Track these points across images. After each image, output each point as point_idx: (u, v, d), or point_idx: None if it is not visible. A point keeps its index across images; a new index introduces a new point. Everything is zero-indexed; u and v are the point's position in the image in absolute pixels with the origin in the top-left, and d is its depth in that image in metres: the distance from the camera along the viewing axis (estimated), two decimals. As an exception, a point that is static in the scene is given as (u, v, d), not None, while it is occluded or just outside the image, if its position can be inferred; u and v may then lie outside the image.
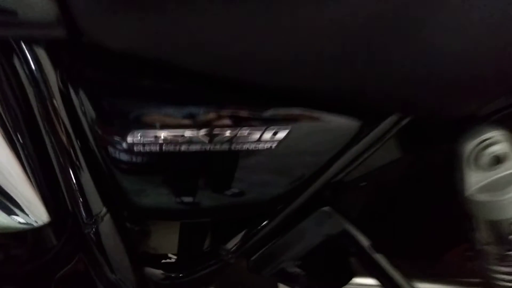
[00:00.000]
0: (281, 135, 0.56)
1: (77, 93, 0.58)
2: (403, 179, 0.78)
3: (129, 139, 0.56)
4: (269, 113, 0.56)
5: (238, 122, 0.53)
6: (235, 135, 0.55)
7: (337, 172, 0.63)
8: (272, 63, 0.50)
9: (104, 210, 0.63)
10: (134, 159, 0.58)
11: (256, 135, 0.55)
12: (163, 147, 0.56)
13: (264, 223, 0.69)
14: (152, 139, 0.55)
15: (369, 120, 0.59)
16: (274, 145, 0.56)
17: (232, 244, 0.70)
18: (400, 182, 0.78)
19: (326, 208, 0.67)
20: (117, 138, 0.57)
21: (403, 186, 0.78)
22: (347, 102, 0.55)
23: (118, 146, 0.58)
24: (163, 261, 0.85)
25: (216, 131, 0.53)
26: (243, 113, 0.55)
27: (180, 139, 0.55)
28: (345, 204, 0.69)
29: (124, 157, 0.59)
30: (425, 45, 0.45)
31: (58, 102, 0.59)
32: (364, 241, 0.67)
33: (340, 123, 0.57)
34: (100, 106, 0.58)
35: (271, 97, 0.53)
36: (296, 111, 0.55)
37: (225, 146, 0.53)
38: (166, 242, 0.99)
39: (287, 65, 0.50)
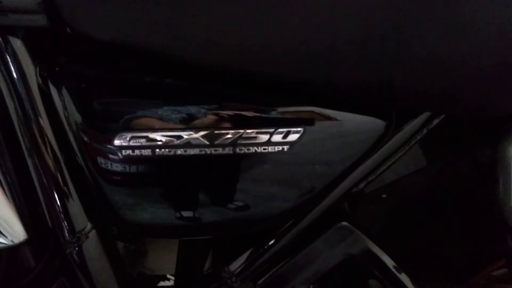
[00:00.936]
0: (294, 137, 0.48)
1: (59, 91, 0.51)
2: (429, 191, 0.69)
3: (117, 142, 0.48)
4: (279, 111, 0.49)
5: (243, 122, 0.48)
6: (240, 137, 0.47)
7: (357, 182, 0.55)
8: (283, 52, 0.43)
9: (89, 226, 0.55)
10: (123, 167, 0.51)
11: (265, 137, 0.48)
12: (157, 151, 0.48)
13: (272, 241, 0.60)
14: (144, 142, 0.48)
15: (395, 121, 0.51)
16: (285, 149, 0.48)
17: (236, 265, 0.62)
18: (425, 195, 0.69)
19: (344, 224, 0.58)
20: (104, 143, 0.50)
21: (428, 199, 0.69)
22: (371, 99, 0.47)
23: (105, 152, 0.50)
24: (161, 283, 0.76)
25: (218, 132, 0.47)
26: (249, 112, 0.48)
27: (176, 142, 0.48)
28: (365, 220, 0.60)
29: (112, 164, 0.51)
30: (470, 25, 0.38)
31: (37, 101, 0.52)
32: (388, 261, 0.58)
33: (362, 124, 0.51)
34: (85, 106, 0.50)
35: (282, 94, 0.48)
36: (310, 109, 0.49)
37: (228, 150, 0.46)
38: (163, 262, 0.92)
39: (300, 54, 0.42)
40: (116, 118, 0.49)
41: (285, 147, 0.49)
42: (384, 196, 0.64)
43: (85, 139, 0.51)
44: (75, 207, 0.54)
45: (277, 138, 0.48)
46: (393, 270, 0.58)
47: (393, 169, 0.59)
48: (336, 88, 0.47)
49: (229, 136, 0.47)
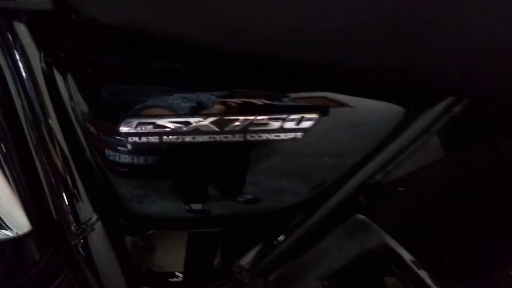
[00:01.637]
0: (307, 123, 0.45)
1: (64, 78, 0.49)
2: (448, 184, 0.66)
3: (124, 129, 0.46)
4: (292, 97, 0.46)
5: (254, 108, 0.45)
6: (251, 123, 0.45)
7: (374, 172, 0.52)
8: (295, 33, 0.40)
9: (95, 217, 0.53)
10: (130, 156, 0.49)
11: (277, 124, 0.45)
12: (164, 139, 0.46)
13: (284, 235, 0.58)
14: (151, 129, 0.46)
15: (415, 106, 0.48)
16: (298, 136, 0.46)
17: (246, 260, 0.59)
18: (444, 188, 0.66)
19: (359, 217, 0.55)
20: (110, 130, 0.48)
21: (447, 192, 0.66)
22: (390, 83, 0.44)
23: (112, 141, 0.48)
24: (169, 279, 0.74)
25: (228, 118, 0.45)
26: (260, 97, 0.46)
27: (184, 128, 0.45)
28: (381, 213, 0.57)
29: (118, 153, 0.49)
30: (495, 2, 0.35)
31: (41, 89, 0.50)
32: (407, 256, 0.55)
33: (379, 111, 0.48)
34: (92, 93, 0.49)
35: (294, 78, 0.46)
36: (325, 95, 0.46)
37: (239, 137, 0.44)
38: (172, 258, 0.90)
39: (314, 35, 0.40)
40: (122, 104, 0.47)
41: (298, 134, 0.46)
42: (401, 189, 0.61)
43: (91, 127, 0.49)
44: (81, 198, 0.52)
45: (290, 124, 0.46)
46: (412, 265, 0.55)
47: (411, 160, 0.56)
48: (352, 72, 0.44)
49: (239, 122, 0.45)
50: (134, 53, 0.48)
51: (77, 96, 0.49)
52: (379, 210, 0.58)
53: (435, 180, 0.62)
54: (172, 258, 0.90)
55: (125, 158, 0.49)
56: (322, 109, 0.46)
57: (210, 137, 0.45)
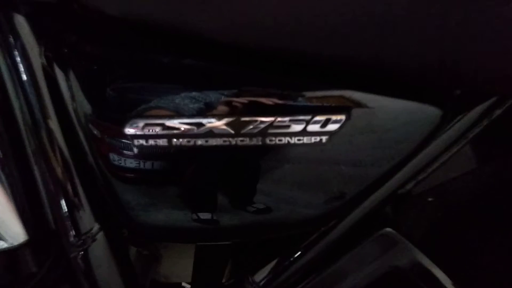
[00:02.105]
0: (334, 126, 0.41)
1: (66, 74, 0.45)
2: (481, 196, 0.60)
3: (129, 131, 0.42)
4: (317, 96, 0.42)
5: (274, 108, 0.41)
6: (270, 125, 0.40)
7: (405, 181, 0.47)
8: (322, 24, 0.35)
9: (97, 227, 0.48)
10: (136, 160, 0.45)
11: (299, 126, 0.41)
12: (174, 142, 0.41)
13: (304, 249, 0.53)
14: (159, 130, 0.41)
15: (452, 108, 0.43)
16: (323, 140, 0.41)
17: (261, 275, 0.55)
18: (476, 199, 0.60)
19: (387, 231, 0.50)
20: (115, 133, 0.43)
21: (480, 204, 0.61)
22: (428, 82, 0.39)
23: (116, 144, 0.44)
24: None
25: (245, 119, 0.41)
26: (282, 97, 0.42)
27: (196, 131, 0.41)
28: (411, 226, 0.52)
29: (123, 158, 0.45)
30: None
31: (41, 86, 0.46)
32: (441, 276, 0.50)
33: (413, 113, 0.43)
34: (95, 91, 0.44)
35: (320, 76, 0.41)
36: (354, 94, 0.42)
37: (257, 141, 0.40)
38: (179, 268, 0.86)
39: (343, 27, 0.35)
40: (128, 104, 0.43)
41: (324, 138, 0.41)
42: (430, 199, 0.55)
43: (95, 129, 0.45)
44: (82, 206, 0.48)
45: (314, 127, 0.41)
46: (447, 286, 0.49)
47: (443, 168, 0.51)
48: (385, 69, 0.39)
49: (258, 124, 0.41)
50: (141, 48, 0.44)
51: (80, 95, 0.45)
52: (408, 223, 0.52)
53: (470, 191, 0.56)
54: (179, 268, 0.86)
55: (131, 163, 0.44)
56: (349, 110, 0.41)
57: (224, 141, 0.41)
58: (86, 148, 0.46)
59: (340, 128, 0.41)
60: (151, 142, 0.42)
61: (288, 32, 0.38)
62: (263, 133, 0.41)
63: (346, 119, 0.41)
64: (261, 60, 0.41)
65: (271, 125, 0.41)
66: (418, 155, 0.46)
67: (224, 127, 0.41)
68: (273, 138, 0.41)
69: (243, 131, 0.41)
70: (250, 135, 0.41)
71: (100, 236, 0.49)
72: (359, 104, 0.42)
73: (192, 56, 0.43)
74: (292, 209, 0.49)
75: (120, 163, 0.45)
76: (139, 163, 0.45)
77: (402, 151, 0.46)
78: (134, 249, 0.75)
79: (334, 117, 0.41)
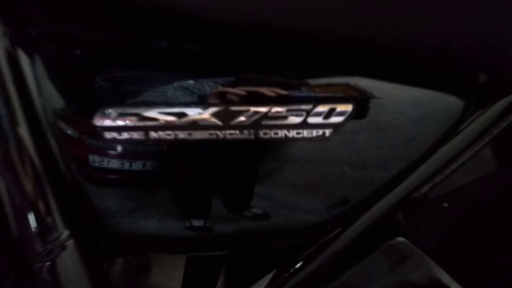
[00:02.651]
0: (339, 118, 0.35)
1: (32, 60, 0.39)
2: (500, 202, 0.54)
3: (100, 122, 0.36)
4: (319, 83, 0.37)
5: (269, 96, 0.36)
6: (265, 116, 0.35)
7: (420, 183, 0.41)
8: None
9: (66, 233, 0.42)
10: (108, 158, 0.40)
11: (298, 117, 0.35)
12: (151, 135, 0.36)
13: (304, 261, 0.48)
14: (135, 121, 0.36)
15: (477, 99, 0.37)
16: (326, 134, 0.35)
17: (256, 289, 0.48)
18: (495, 206, 0.54)
19: (400, 240, 0.44)
20: (84, 125, 0.37)
21: (499, 211, 0.54)
22: (449, 62, 0.33)
23: (87, 139, 0.38)
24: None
25: (235, 109, 0.36)
26: (278, 83, 0.36)
27: (178, 122, 0.35)
28: (426, 235, 0.46)
29: (95, 155, 0.40)
30: None
31: (3, 75, 0.40)
32: (461, 292, 0.43)
33: (431, 103, 0.38)
34: (68, 80, 0.40)
35: (322, 58, 0.37)
36: (362, 81, 0.36)
37: (248, 134, 0.35)
38: (170, 278, 0.80)
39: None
40: (100, 91, 0.37)
41: (327, 132, 0.36)
42: (445, 205, 0.49)
43: (66, 126, 0.39)
44: (49, 209, 0.42)
45: (315, 119, 0.36)
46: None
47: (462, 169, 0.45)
48: (400, 49, 0.33)
49: (249, 115, 0.36)
50: (118, 28, 0.38)
51: (49, 86, 0.39)
52: (422, 231, 0.46)
53: (492, 196, 0.50)
54: (170, 278, 0.80)
55: (103, 162, 0.39)
56: (358, 100, 0.36)
57: (211, 134, 0.35)
58: (54, 145, 0.40)
59: (345, 120, 0.36)
60: (125, 135, 0.36)
61: (285, 6, 0.32)
62: (256, 125, 0.36)
63: (353, 110, 0.35)
64: (253, 41, 0.36)
65: (265, 115, 0.35)
66: (435, 155, 0.41)
67: (211, 118, 0.36)
68: (268, 131, 0.36)
69: (233, 122, 0.35)
70: (241, 127, 0.36)
71: (70, 244, 0.42)
72: (367, 93, 0.37)
73: (174, 36, 0.37)
74: (291, 215, 0.44)
75: (92, 162, 0.40)
76: (113, 162, 0.39)
77: (416, 149, 0.40)
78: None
79: (339, 108, 0.35)
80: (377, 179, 0.41)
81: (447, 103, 0.38)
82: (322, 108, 0.36)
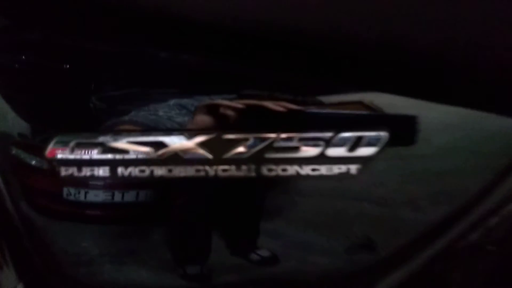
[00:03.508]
0: (368, 149, 0.26)
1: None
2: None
3: (53, 153, 0.28)
4: (341, 100, 0.29)
5: (274, 120, 0.28)
6: (269, 148, 0.26)
7: (469, 228, 0.32)
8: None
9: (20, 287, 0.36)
10: (65, 197, 0.33)
11: (314, 148, 0.26)
12: (120, 171, 0.27)
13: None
14: (97, 153, 0.27)
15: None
16: (352, 171, 0.26)
17: None
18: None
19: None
20: (37, 157, 0.30)
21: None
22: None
23: (41, 174, 0.32)
24: None
25: (229, 138, 0.28)
26: (285, 102, 0.28)
27: (154, 154, 0.27)
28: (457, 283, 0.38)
29: (50, 193, 0.33)
30: None
31: None
32: None
33: (490, 127, 0.30)
34: (14, 99, 0.33)
35: (345, 69, 0.29)
36: (397, 99, 0.29)
37: (247, 171, 0.27)
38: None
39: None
40: (54, 115, 0.29)
41: (352, 168, 0.27)
42: (490, 248, 0.40)
43: (13, 152, 0.31)
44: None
45: (337, 150, 0.27)
46: None
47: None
48: (450, 58, 0.25)
49: (249, 144, 0.27)
50: (76, 33, 0.31)
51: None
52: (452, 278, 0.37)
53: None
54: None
55: (62, 202, 0.31)
56: (393, 123, 0.26)
57: (198, 170, 0.26)
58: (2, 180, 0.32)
59: (378, 152, 0.26)
60: (86, 171, 0.28)
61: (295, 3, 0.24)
62: (258, 158, 0.27)
63: (389, 138, 0.26)
64: (253, 47, 0.27)
65: (270, 146, 0.26)
66: (494, 192, 0.31)
67: (197, 149, 0.26)
68: (274, 168, 0.27)
69: (227, 155, 0.26)
70: (238, 162, 0.27)
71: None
72: (405, 115, 0.29)
73: (151, 43, 0.29)
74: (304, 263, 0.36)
75: (48, 202, 0.32)
76: (106, 195, 0.31)
77: (469, 186, 0.31)
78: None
79: (369, 135, 0.26)
80: (414, 223, 0.32)
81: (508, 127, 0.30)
82: (346, 135, 0.27)
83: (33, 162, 0.33)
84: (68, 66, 0.32)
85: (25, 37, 0.35)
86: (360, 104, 0.30)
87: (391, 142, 0.28)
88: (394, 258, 0.35)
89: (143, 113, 0.30)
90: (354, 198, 0.32)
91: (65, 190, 0.34)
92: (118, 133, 0.28)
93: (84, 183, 0.33)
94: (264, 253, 0.36)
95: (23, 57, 0.34)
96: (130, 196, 0.33)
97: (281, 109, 0.28)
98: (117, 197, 0.33)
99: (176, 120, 0.30)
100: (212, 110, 0.28)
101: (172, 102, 0.31)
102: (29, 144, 0.34)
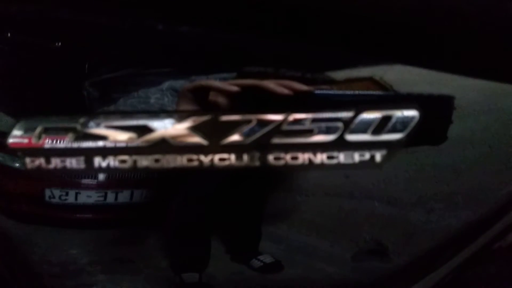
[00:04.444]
0: (394, 135, 0.21)
1: None
2: None
3: (16, 141, 0.23)
4: (361, 75, 0.25)
5: (282, 100, 0.24)
6: (276, 130, 0.21)
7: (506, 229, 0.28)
8: None
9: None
10: (36, 195, 0.26)
11: (331, 133, 0.22)
12: (96, 162, 0.22)
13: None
14: (73, 141, 0.22)
15: None
16: (377, 157, 0.21)
17: None
18: None
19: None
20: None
21: None
22: None
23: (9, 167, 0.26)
24: None
25: (228, 120, 0.23)
26: (297, 77, 0.24)
27: (138, 141, 0.22)
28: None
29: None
30: None
31: None
32: None
33: None
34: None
35: (363, 40, 0.24)
36: (429, 74, 0.24)
37: (251, 159, 0.23)
38: None
39: None
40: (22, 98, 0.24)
41: (377, 155, 0.22)
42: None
43: None
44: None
45: (357, 135, 0.21)
46: None
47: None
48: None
49: (252, 128, 0.22)
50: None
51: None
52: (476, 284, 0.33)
53: None
54: None
55: (33, 201, 0.26)
56: (425, 101, 0.22)
57: (190, 159, 0.21)
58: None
59: (408, 135, 0.22)
60: (56, 162, 0.23)
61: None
62: (263, 144, 0.22)
63: (420, 118, 0.22)
64: (255, 15, 0.23)
65: (277, 129, 0.21)
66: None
67: (189, 133, 0.22)
68: (282, 155, 0.22)
69: (224, 141, 0.21)
70: (238, 149, 0.22)
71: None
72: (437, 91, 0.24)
73: (135, 12, 0.24)
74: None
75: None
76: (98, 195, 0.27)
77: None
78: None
79: (396, 114, 0.22)
80: (464, 214, 0.28)
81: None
82: (369, 116, 0.22)
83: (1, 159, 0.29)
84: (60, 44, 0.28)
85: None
86: (370, 80, 0.26)
87: (420, 125, 0.23)
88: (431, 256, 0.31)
89: (131, 101, 0.26)
90: (384, 196, 0.28)
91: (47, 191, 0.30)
92: (94, 116, 0.23)
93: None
94: (266, 259, 0.31)
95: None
96: (120, 197, 0.29)
97: (287, 91, 0.24)
98: (110, 197, 0.29)
99: (169, 109, 0.26)
100: (204, 91, 0.24)
101: (166, 85, 0.27)
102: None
